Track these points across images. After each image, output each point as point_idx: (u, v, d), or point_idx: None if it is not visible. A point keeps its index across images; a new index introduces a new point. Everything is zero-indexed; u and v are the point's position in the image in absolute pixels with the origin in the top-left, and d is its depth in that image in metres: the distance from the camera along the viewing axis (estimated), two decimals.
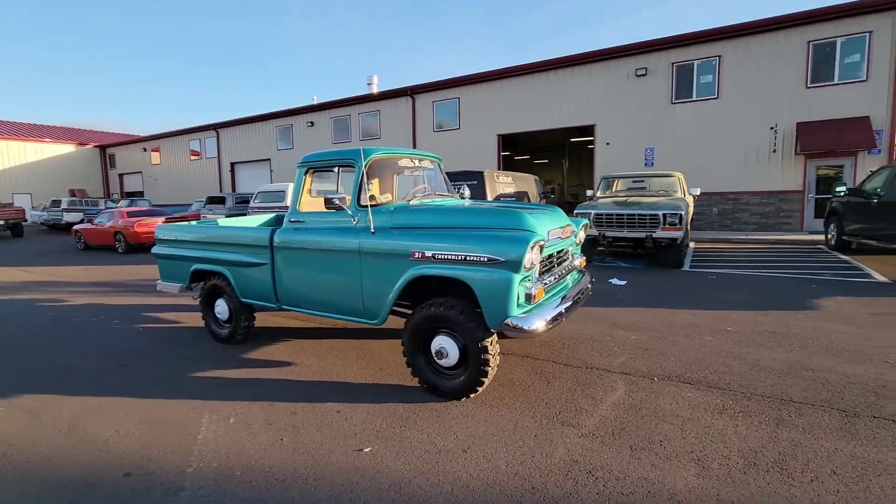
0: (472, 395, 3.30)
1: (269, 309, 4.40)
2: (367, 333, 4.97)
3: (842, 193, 9.31)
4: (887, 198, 8.08)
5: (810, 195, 12.52)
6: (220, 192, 24.58)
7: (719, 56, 12.87)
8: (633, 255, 9.90)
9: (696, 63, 13.21)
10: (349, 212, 3.68)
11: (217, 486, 2.45)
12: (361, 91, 27.00)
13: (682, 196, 9.22)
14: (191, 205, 20.97)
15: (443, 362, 3.32)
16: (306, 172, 4.09)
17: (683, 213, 7.92)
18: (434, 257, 3.18)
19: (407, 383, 3.65)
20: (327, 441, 2.86)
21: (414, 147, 18.46)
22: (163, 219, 13.23)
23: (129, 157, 31.25)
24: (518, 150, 23.17)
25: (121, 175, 32.18)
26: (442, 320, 3.25)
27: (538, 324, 2.95)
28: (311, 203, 4.24)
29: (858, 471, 2.41)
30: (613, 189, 10.33)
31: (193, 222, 5.16)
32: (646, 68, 13.73)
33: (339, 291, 3.73)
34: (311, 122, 21.38)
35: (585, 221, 4.40)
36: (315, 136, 21.49)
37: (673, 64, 13.47)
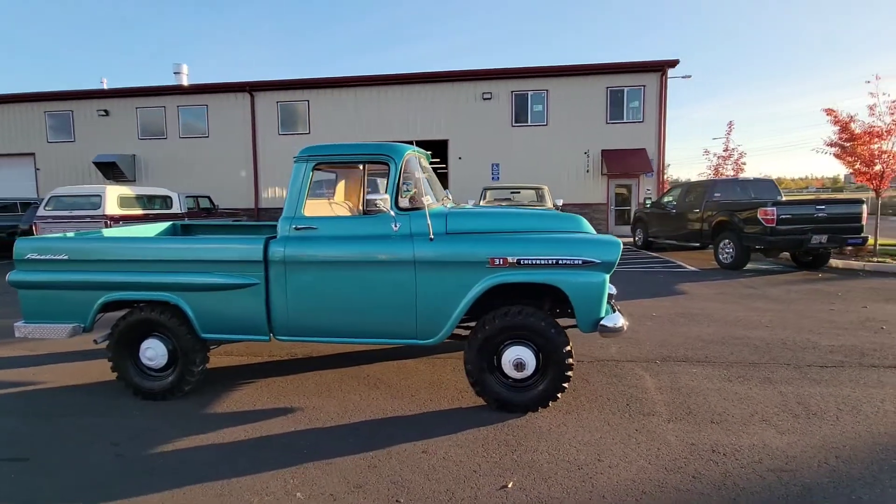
0: (549, 405, 3.19)
1: (240, 341, 3.38)
2: (345, 359, 4.25)
3: (648, 205, 12.20)
4: (679, 209, 10.95)
5: (612, 207, 15.98)
6: None
7: (547, 90, 15.33)
8: None
9: (530, 94, 15.42)
10: (392, 214, 3.15)
11: None
12: (158, 80, 22.45)
13: (549, 206, 10.63)
14: None
15: (519, 374, 3.13)
16: (313, 168, 3.31)
17: None
18: (519, 263, 2.99)
19: (459, 405, 3.30)
20: (455, 488, 2.39)
21: (255, 150, 16.33)
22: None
23: None
24: None
25: None
26: (520, 329, 3.07)
27: (623, 322, 3.08)
28: (311, 207, 3.45)
29: (842, 403, 3.27)
30: (488, 199, 11.20)
31: (106, 231, 3.58)
32: (491, 93, 15.35)
33: (383, 311, 3.13)
34: (106, 111, 16.75)
35: None
36: (112, 129, 16.94)
37: (512, 92, 15.43)
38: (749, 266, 9.33)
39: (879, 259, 9.26)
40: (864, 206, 8.34)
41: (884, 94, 9.46)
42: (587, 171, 15.54)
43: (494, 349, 3.13)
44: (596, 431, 2.93)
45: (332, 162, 3.39)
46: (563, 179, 15.57)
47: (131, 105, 16.78)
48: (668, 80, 14.84)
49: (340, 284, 3.14)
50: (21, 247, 3.36)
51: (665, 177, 15.74)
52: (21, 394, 3.63)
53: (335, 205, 4.36)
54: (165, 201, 11.47)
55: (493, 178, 15.68)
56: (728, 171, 16.55)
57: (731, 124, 16.78)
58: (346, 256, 3.13)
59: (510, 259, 2.99)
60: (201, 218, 12.38)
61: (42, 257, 3.32)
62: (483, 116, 15.50)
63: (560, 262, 2.97)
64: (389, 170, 3.26)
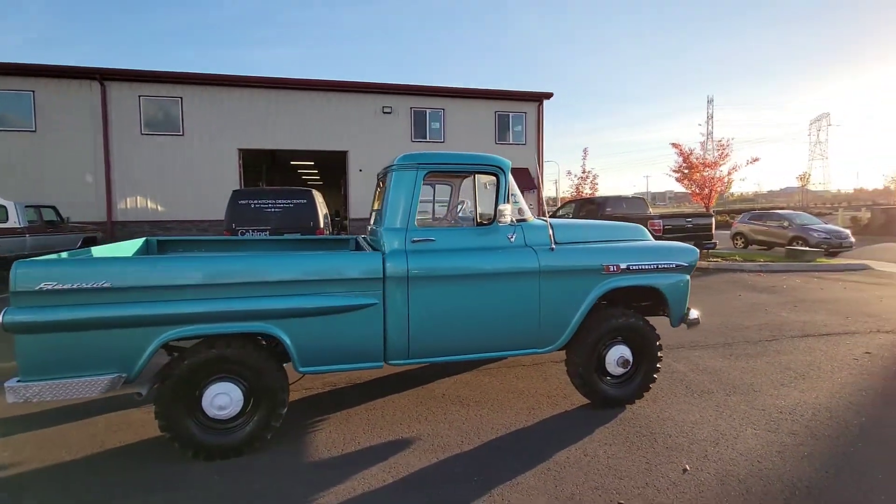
0: (642, 397, 3.53)
1: (345, 371, 2.95)
2: (398, 382, 3.96)
3: None
4: None
5: None
6: None
7: (444, 109, 16.05)
8: None
9: (428, 111, 15.93)
10: (511, 222, 3.16)
11: None
12: None
13: None
14: None
15: (620, 371, 3.41)
16: (424, 177, 3.10)
17: None
18: (629, 269, 3.29)
19: (559, 410, 3.44)
20: (648, 480, 2.55)
21: (108, 151, 13.22)
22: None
23: None
24: (278, 169, 20.57)
25: None
26: (625, 330, 3.37)
27: (699, 314, 3.62)
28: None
29: (806, 364, 4.37)
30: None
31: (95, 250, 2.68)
32: (391, 107, 15.39)
33: (508, 322, 3.09)
34: None
35: None
36: None
37: (412, 108, 15.73)
38: None
39: (713, 258, 12.12)
40: (713, 219, 10.88)
41: (711, 134, 12.46)
42: (485, 186, 16.68)
43: (600, 350, 3.36)
44: (691, 413, 3.37)
45: (443, 171, 3.22)
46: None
47: None
48: (544, 109, 17.00)
49: (466, 298, 3.01)
50: (27, 274, 2.37)
51: (542, 193, 17.80)
52: (31, 478, 2.51)
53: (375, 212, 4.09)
54: None
55: None
56: (586, 190, 19.54)
57: (586, 150, 19.93)
58: (475, 269, 3.01)
59: (622, 266, 3.28)
60: (48, 234, 9.66)
61: (65, 287, 2.40)
62: (383, 130, 15.43)
63: (659, 266, 3.37)
64: (498, 181, 3.25)
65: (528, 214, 3.39)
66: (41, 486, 2.52)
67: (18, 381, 2.42)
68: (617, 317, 3.34)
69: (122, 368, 2.53)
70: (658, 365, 3.48)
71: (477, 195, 3.27)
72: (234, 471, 2.65)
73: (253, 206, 8.18)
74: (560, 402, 3.55)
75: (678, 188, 13.10)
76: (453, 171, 3.29)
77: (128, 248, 3.68)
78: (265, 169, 21.61)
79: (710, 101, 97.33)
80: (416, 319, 2.92)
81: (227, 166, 14.13)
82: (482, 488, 2.48)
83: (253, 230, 8.13)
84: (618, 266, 3.27)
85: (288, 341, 2.72)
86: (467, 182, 4.18)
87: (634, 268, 3.32)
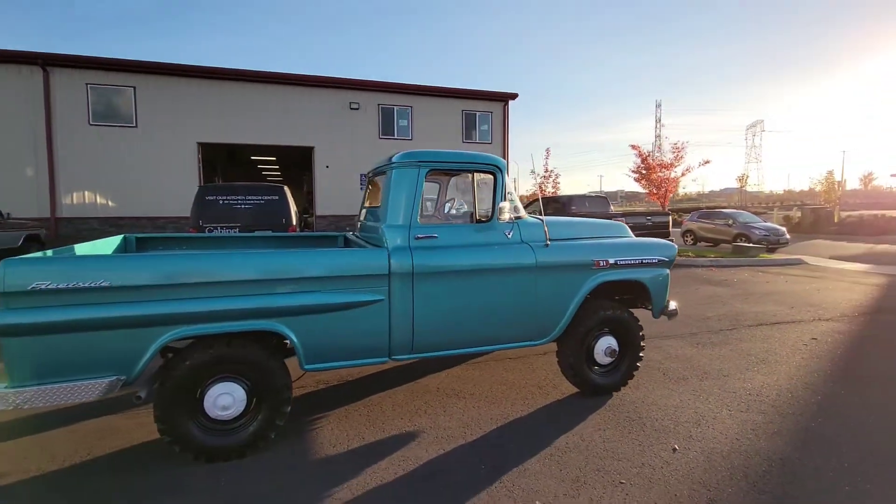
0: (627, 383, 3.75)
1: (350, 367, 2.97)
2: (388, 378, 4.00)
3: None
4: None
5: None
6: None
7: (411, 107, 16.01)
8: None
9: (396, 108, 15.84)
10: (510, 219, 3.27)
11: None
12: None
13: None
14: None
15: (607, 361, 3.61)
16: (426, 174, 3.15)
17: None
18: (616, 264, 3.49)
19: (551, 399, 3.61)
20: (643, 460, 2.74)
21: (51, 142, 12.23)
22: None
23: None
24: (235, 164, 19.62)
25: None
26: (611, 322, 3.57)
27: (677, 305, 3.88)
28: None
29: (764, 350, 4.78)
30: None
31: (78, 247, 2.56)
32: (359, 104, 15.19)
33: (508, 316, 3.20)
34: None
35: None
36: None
37: (379, 105, 15.59)
38: None
39: None
40: (671, 218, 11.52)
41: (666, 137, 13.20)
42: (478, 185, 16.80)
43: (589, 342, 3.54)
44: (671, 397, 3.62)
45: (443, 169, 3.28)
46: (426, 192, 16.45)
47: None
48: (513, 109, 17.33)
49: (468, 293, 3.09)
50: (18, 273, 2.23)
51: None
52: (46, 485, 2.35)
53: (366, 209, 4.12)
54: None
55: (361, 189, 15.50)
56: (549, 189, 20.08)
57: (548, 150, 20.48)
58: (477, 265, 3.09)
59: (610, 261, 3.47)
60: None
61: (60, 286, 2.28)
62: (350, 126, 15.21)
63: (643, 261, 3.59)
64: (496, 180, 3.35)
65: (523, 212, 3.51)
66: (32, 497, 2.39)
67: (6, 386, 2.29)
68: (605, 309, 3.53)
69: (120, 371, 2.44)
70: (641, 354, 3.71)
71: (476, 193, 3.35)
72: (238, 472, 2.61)
73: (221, 202, 7.89)
74: (550, 392, 3.72)
75: (629, 188, 13.84)
76: (453, 169, 3.36)
77: (104, 246, 3.50)
78: (221, 165, 20.76)
79: (658, 106, 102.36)
80: (420, 314, 2.98)
81: (186, 161, 13.47)
82: (492, 476, 2.58)
83: (221, 227, 7.84)
84: (607, 261, 3.46)
85: (294, 339, 2.71)
86: (455, 180, 4.27)
87: (622, 263, 3.52)
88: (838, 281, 9.45)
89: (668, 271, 3.74)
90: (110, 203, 12.95)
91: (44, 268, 2.28)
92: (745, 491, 2.44)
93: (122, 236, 3.82)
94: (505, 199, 3.35)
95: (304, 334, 2.73)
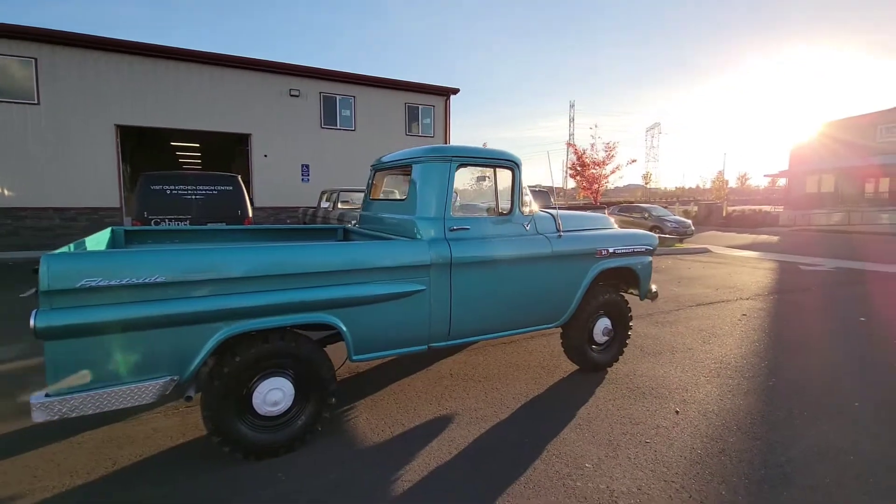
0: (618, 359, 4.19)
1: (388, 356, 3.04)
2: (397, 367, 4.09)
3: None
4: None
5: None
6: None
7: (354, 97, 15.63)
8: None
9: (338, 97, 15.36)
10: (532, 215, 3.52)
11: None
12: None
13: None
14: None
15: (604, 340, 4.02)
16: (456, 168, 3.28)
17: None
18: (615, 253, 3.89)
19: (557, 377, 3.95)
20: (656, 422, 3.15)
21: None
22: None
23: None
24: (146, 149, 17.45)
25: None
26: (608, 305, 3.98)
27: (657, 288, 4.39)
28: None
29: (721, 323, 5.55)
30: (350, 200, 10.77)
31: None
32: (299, 90, 14.50)
33: (531, 301, 3.46)
34: None
35: None
36: None
37: (321, 93, 15.00)
38: None
39: None
40: (607, 211, 12.54)
41: (600, 137, 14.33)
42: (479, 181, 16.73)
43: (590, 324, 3.92)
44: (655, 369, 4.13)
45: (470, 164, 3.41)
46: None
47: None
48: (451, 104, 17.58)
49: (497, 282, 3.29)
50: (65, 269, 2.03)
51: None
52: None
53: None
54: None
55: (303, 180, 14.88)
56: None
57: (485, 144, 21.11)
58: (505, 254, 3.30)
59: (610, 250, 3.86)
60: None
61: (111, 283, 2.11)
62: (291, 114, 14.47)
63: (634, 250, 4.04)
64: (514, 175, 3.57)
65: (535, 206, 3.77)
66: None
67: (49, 395, 2.08)
68: (603, 294, 3.93)
69: (174, 371, 2.32)
70: (629, 333, 4.17)
71: (498, 188, 3.53)
72: (292, 466, 2.60)
73: (169, 192, 7.26)
74: (554, 371, 4.05)
75: (546, 183, 14.86)
76: (480, 165, 3.51)
77: (94, 241, 3.19)
78: (130, 149, 18.75)
79: (571, 106, 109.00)
80: (456, 303, 3.13)
81: (101, 145, 11.96)
82: (537, 448, 2.82)
83: (170, 220, 7.22)
84: (607, 250, 3.85)
85: (345, 330, 2.73)
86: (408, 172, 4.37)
87: (619, 252, 3.93)
88: (741, 266, 10.98)
89: (651, 258, 4.24)
90: (5, 191, 11.20)
91: (94, 263, 2.10)
92: (742, 440, 2.93)
93: (109, 230, 3.48)
94: (522, 194, 3.59)
95: (354, 325, 2.76)
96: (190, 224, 7.31)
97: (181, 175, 7.48)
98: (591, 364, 3.94)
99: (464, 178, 4.29)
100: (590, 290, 3.89)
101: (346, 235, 4.47)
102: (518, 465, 2.63)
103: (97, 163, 11.98)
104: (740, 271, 10.16)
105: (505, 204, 3.52)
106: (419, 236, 3.15)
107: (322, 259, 2.62)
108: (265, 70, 13.99)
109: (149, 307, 2.21)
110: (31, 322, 1.98)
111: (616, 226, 4.51)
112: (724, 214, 32.77)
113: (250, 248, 2.50)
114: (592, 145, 14.80)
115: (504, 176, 3.55)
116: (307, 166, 14.99)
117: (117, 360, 2.18)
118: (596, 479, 2.51)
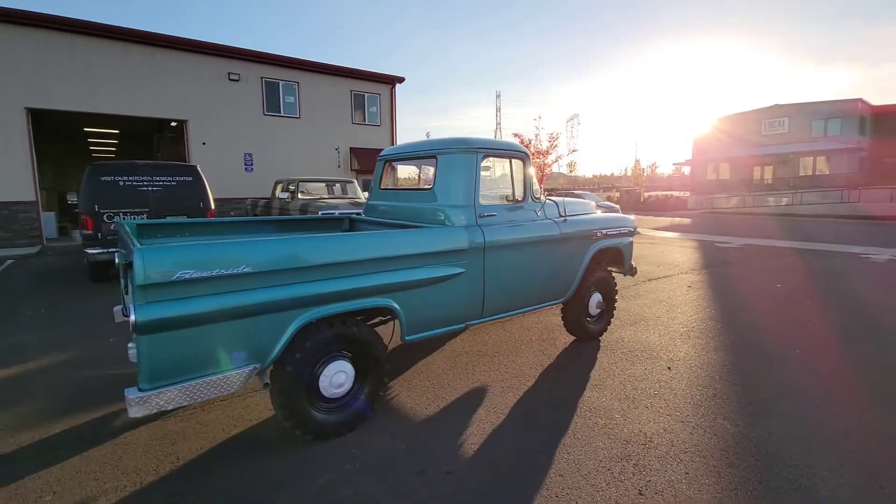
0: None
1: (433, 335, 3.26)
2: (405, 349, 4.31)
3: None
4: None
5: None
6: None
7: (298, 83, 15.04)
8: None
9: (281, 83, 14.69)
10: (543, 202, 3.87)
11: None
12: None
13: (360, 198, 11.17)
14: None
15: (596, 312, 4.52)
16: (482, 158, 3.53)
17: None
18: (607, 234, 4.37)
19: (559, 349, 4.40)
20: (655, 376, 3.68)
21: None
22: None
23: None
24: (48, 134, 15.20)
25: None
26: (601, 281, 4.47)
27: (636, 265, 4.97)
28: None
29: (684, 291, 6.35)
30: (307, 191, 10.48)
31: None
32: (239, 75, 13.67)
33: (546, 279, 3.83)
34: None
35: None
36: None
37: (262, 78, 14.26)
38: None
39: None
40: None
41: (543, 128, 15.13)
42: (339, 166, 16.37)
43: (587, 299, 4.40)
44: (637, 336, 4.72)
45: (493, 155, 3.65)
46: (318, 173, 15.82)
47: None
48: (396, 92, 17.52)
49: (521, 262, 3.61)
50: (162, 262, 2.02)
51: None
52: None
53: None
54: None
55: (246, 169, 14.13)
56: None
57: (427, 134, 21.28)
58: (528, 237, 3.62)
59: (604, 232, 4.34)
60: None
61: (203, 275, 2.13)
62: (231, 100, 13.62)
63: (620, 231, 4.56)
64: (525, 165, 3.89)
65: (541, 194, 4.13)
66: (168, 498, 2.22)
67: (143, 388, 2.08)
68: (597, 272, 4.41)
69: (256, 358, 2.38)
70: (614, 307, 4.71)
71: (514, 177, 3.83)
72: (356, 442, 2.76)
73: (122, 183, 6.72)
74: (555, 342, 4.49)
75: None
76: (499, 156, 3.77)
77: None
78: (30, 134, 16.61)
79: (498, 96, 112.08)
80: (488, 283, 3.41)
81: (10, 131, 10.51)
82: (569, 406, 3.21)
83: (125, 214, 6.69)
84: (602, 232, 4.33)
85: (401, 311, 2.91)
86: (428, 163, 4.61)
87: (610, 233, 4.43)
88: (668, 245, 12.31)
89: (632, 239, 4.80)
90: None
91: (188, 256, 2.12)
92: (726, 386, 3.54)
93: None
94: (532, 182, 3.93)
95: (408, 307, 2.95)
96: (147, 217, 6.82)
97: (135, 165, 6.93)
98: (588, 334, 4.43)
99: (510, 169, 4.54)
100: (588, 268, 4.35)
101: (352, 225, 4.56)
102: (562, 421, 3.00)
103: (6, 150, 10.57)
104: (671, 250, 11.40)
105: (519, 192, 3.84)
106: (449, 223, 3.37)
107: (390, 246, 2.78)
108: (200, 51, 13.04)
109: (237, 297, 2.25)
110: (132, 317, 1.98)
111: (598, 211, 5.02)
112: (641, 200, 35.89)
113: (328, 237, 2.60)
114: (536, 135, 15.76)
115: (518, 166, 3.86)
116: (250, 155, 14.27)
117: (207, 350, 2.22)
118: (629, 425, 2.95)
